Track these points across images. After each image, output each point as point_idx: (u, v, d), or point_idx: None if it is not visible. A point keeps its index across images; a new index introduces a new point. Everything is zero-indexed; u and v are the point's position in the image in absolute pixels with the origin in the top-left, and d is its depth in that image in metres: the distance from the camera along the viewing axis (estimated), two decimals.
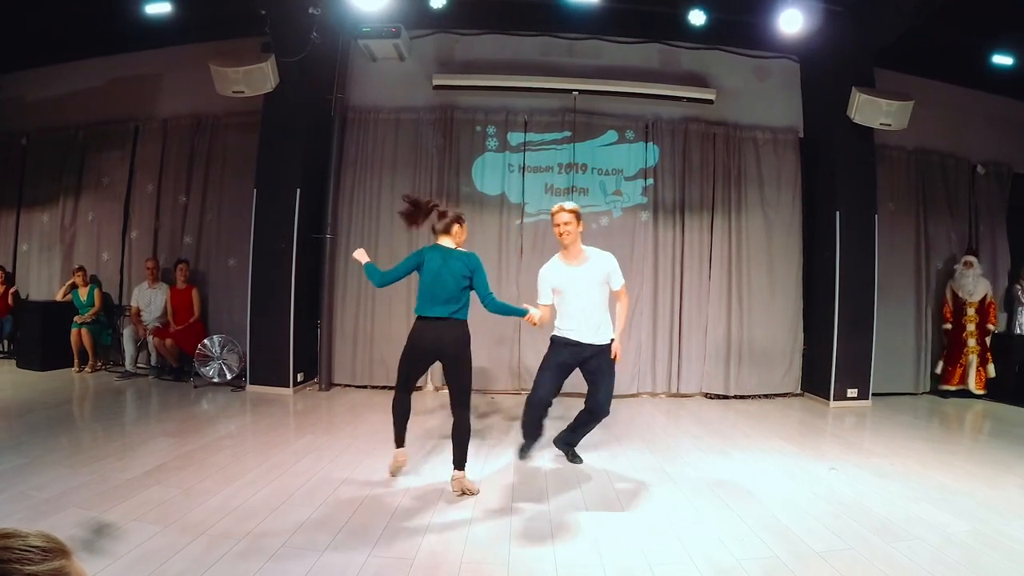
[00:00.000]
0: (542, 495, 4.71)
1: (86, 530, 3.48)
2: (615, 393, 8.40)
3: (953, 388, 9.29)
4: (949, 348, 9.43)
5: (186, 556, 3.42)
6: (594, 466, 5.53)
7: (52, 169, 9.88)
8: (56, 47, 9.58)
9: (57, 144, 9.91)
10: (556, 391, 5.42)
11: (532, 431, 5.45)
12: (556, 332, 5.41)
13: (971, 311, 9.26)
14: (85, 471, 4.73)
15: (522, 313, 5.14)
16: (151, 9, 8.39)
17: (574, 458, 5.72)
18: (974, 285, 9.23)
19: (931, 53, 9.07)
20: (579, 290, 5.23)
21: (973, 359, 9.24)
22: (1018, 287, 9.62)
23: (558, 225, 5.23)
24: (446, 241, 5.04)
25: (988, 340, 9.34)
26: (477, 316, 8.69)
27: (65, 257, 9.76)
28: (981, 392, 9.22)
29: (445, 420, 7.20)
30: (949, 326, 9.40)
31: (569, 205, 5.27)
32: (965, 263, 9.28)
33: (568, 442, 5.75)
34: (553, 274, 5.33)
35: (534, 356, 8.77)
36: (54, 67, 9.91)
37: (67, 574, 1.14)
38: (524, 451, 5.56)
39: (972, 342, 9.26)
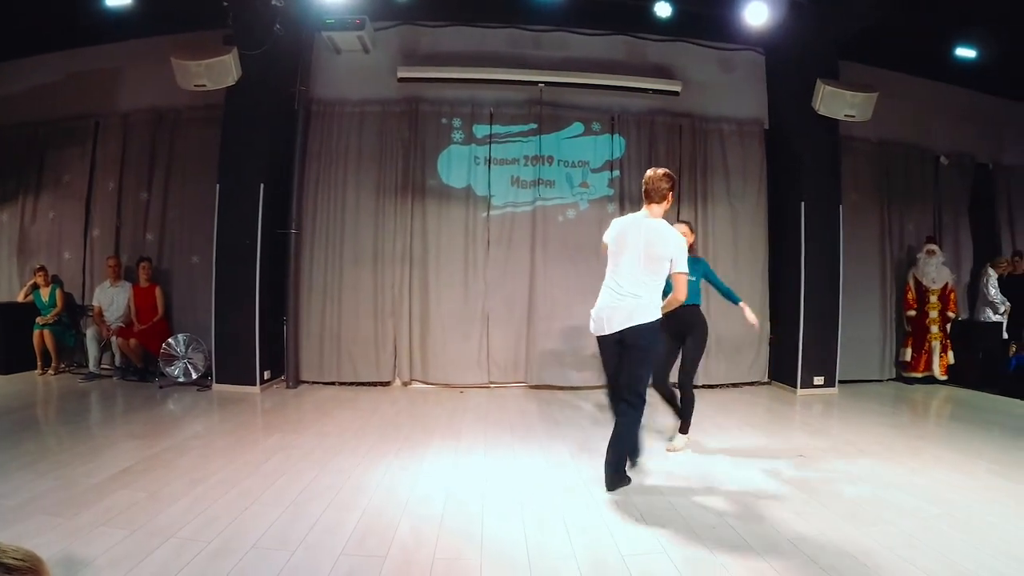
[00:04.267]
0: (515, 488, 4.68)
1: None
2: (586, 384, 8.49)
3: (920, 375, 9.47)
4: (914, 335, 9.58)
5: (155, 560, 3.35)
6: (563, 457, 5.53)
7: (11, 167, 9.66)
8: (13, 42, 9.35)
9: (16, 142, 9.68)
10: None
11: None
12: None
13: (934, 299, 9.42)
14: (51, 476, 4.62)
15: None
16: (111, 1, 8.22)
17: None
18: (936, 273, 9.38)
19: (895, 46, 9.18)
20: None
21: (936, 345, 9.42)
22: (984, 276, 9.75)
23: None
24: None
25: (948, 327, 9.50)
26: (446, 310, 8.75)
27: (26, 257, 9.57)
28: (944, 378, 9.40)
29: (415, 414, 7.24)
30: (913, 313, 9.55)
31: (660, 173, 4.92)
32: (928, 251, 9.43)
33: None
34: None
35: (501, 350, 8.81)
36: (11, 62, 9.66)
37: None
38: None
39: (935, 329, 9.44)
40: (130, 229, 9.28)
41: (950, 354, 9.47)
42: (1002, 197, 10.44)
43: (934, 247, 9.45)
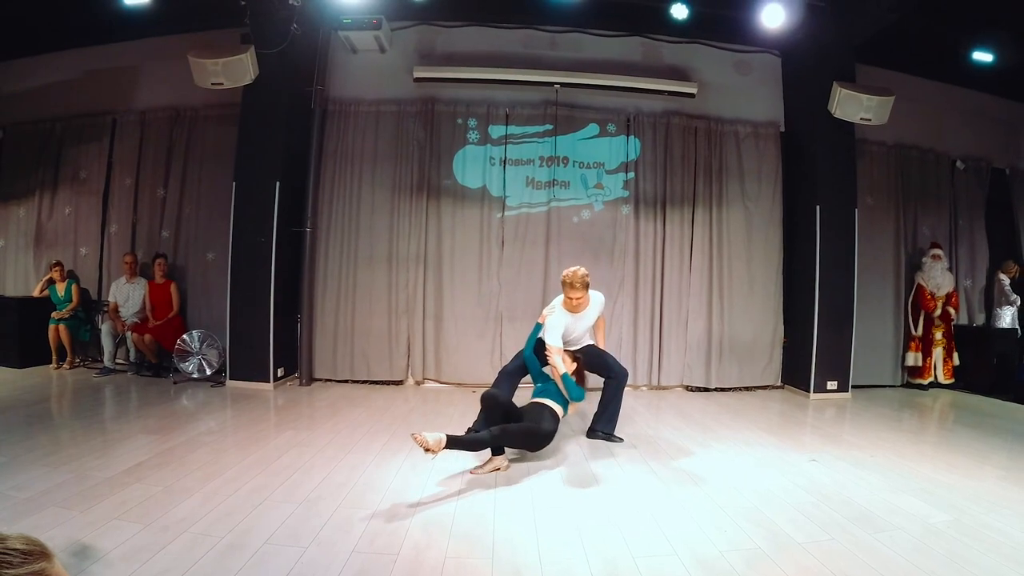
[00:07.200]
0: (524, 489, 4.69)
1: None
2: (598, 386, 8.47)
3: (926, 381, 9.39)
4: (924, 341, 9.48)
5: (168, 554, 3.37)
6: (576, 459, 5.52)
7: (28, 163, 9.69)
8: (31, 38, 9.42)
9: (33, 138, 9.72)
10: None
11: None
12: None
13: (939, 304, 9.35)
14: (64, 470, 4.65)
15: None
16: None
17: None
18: (942, 278, 9.31)
19: (912, 49, 9.12)
20: (577, 335, 6.17)
21: (939, 351, 9.35)
22: (996, 282, 9.68)
23: (573, 298, 5.83)
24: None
25: (952, 330, 9.46)
26: (460, 309, 8.77)
27: (42, 252, 9.62)
28: (950, 381, 9.36)
29: (427, 413, 7.26)
30: (934, 310, 9.41)
31: (581, 273, 5.80)
32: (933, 256, 9.34)
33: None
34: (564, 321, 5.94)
35: (515, 350, 8.77)
36: (30, 59, 9.72)
37: None
38: None
39: (939, 335, 9.36)
40: (146, 225, 9.33)
41: (955, 356, 9.41)
42: (1019, 202, 10.33)
43: (940, 252, 9.36)
